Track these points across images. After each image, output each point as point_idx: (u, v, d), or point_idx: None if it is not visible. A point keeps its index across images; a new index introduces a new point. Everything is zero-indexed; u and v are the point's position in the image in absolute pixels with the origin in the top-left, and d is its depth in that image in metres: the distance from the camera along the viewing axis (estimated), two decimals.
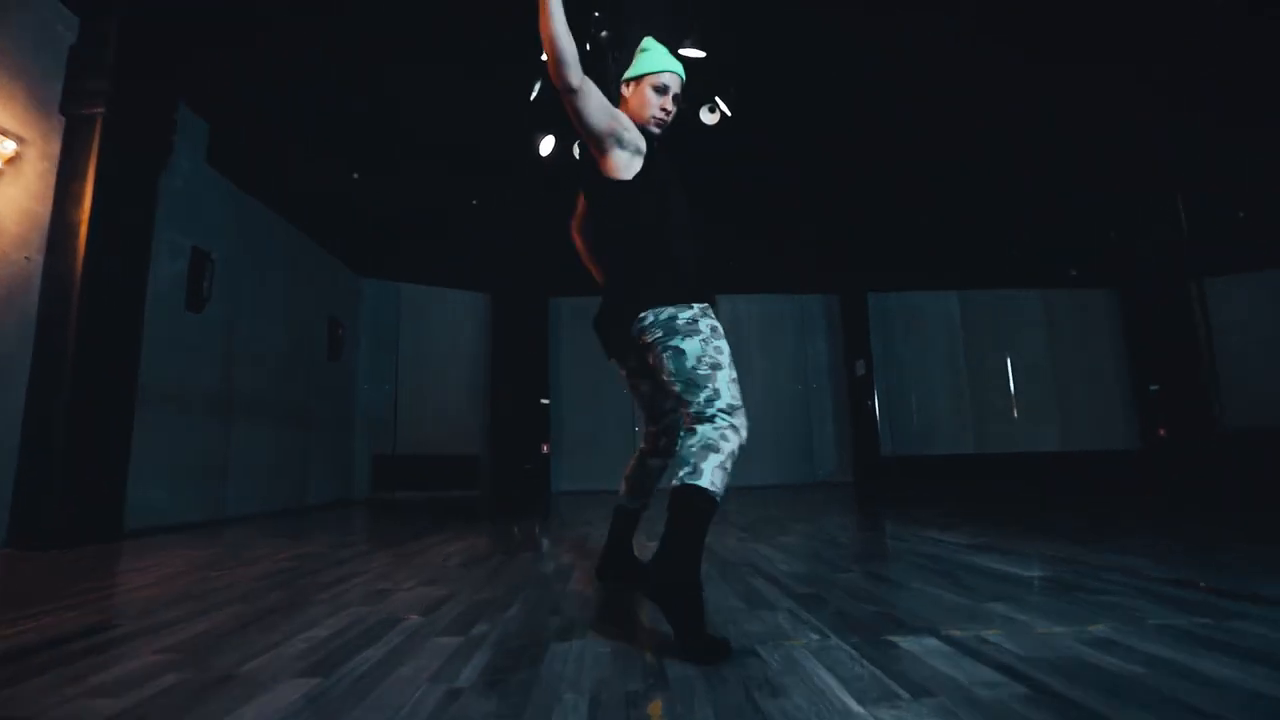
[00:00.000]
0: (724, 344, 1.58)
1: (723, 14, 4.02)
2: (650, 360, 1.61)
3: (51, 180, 3.56)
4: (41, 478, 3.31)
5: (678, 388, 1.54)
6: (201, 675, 1.23)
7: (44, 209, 3.51)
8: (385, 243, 7.56)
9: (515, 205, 6.72)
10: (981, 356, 9.35)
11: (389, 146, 5.52)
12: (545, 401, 8.58)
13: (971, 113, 5.21)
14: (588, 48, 3.91)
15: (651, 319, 1.55)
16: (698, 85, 4.47)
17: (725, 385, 1.52)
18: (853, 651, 1.30)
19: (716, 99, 4.28)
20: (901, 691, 1.07)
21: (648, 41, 1.84)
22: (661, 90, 1.75)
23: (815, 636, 1.42)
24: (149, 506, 4.10)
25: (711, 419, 1.49)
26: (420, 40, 4.23)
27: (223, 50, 4.45)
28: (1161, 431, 8.86)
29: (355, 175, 5.79)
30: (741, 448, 1.52)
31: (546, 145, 4.69)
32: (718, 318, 1.64)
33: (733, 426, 1.49)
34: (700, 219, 1.82)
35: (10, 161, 3.26)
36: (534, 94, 4.17)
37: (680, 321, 1.54)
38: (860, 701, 1.03)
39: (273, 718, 1.01)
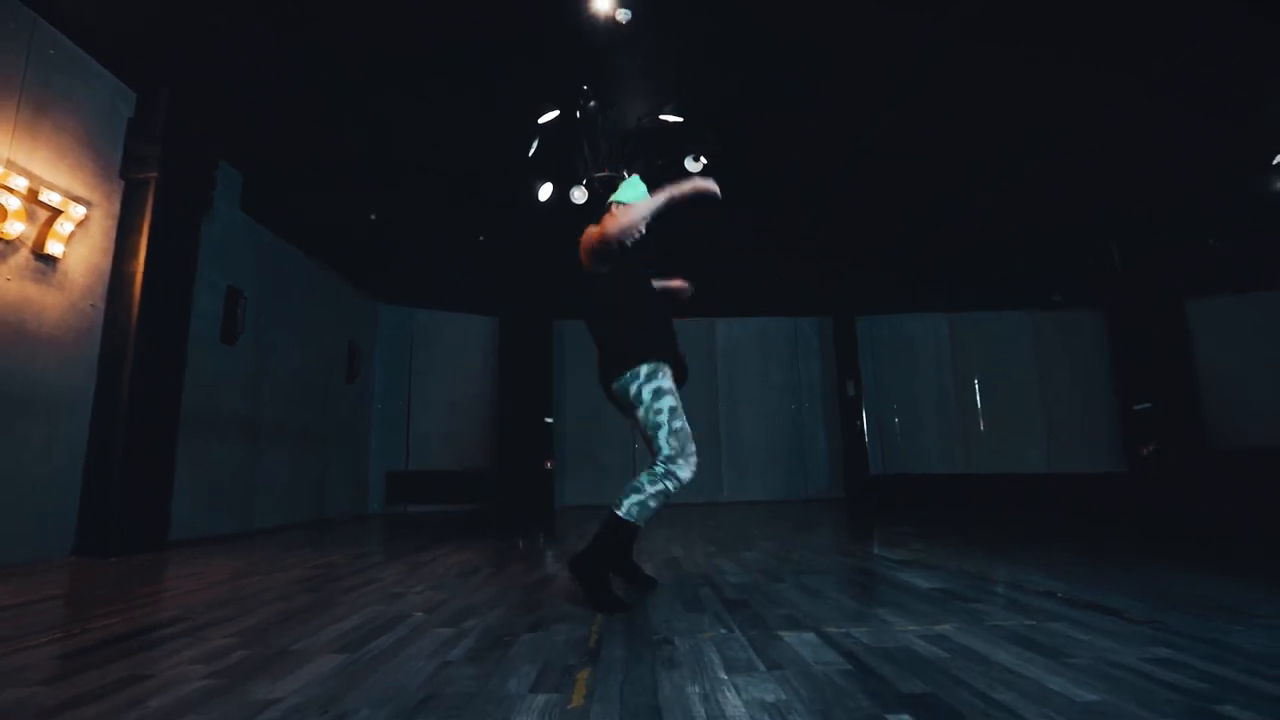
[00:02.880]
0: (664, 402, 2.09)
1: (705, 57, 4.42)
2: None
3: (112, 237, 4.10)
4: (102, 496, 3.82)
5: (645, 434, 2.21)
6: (264, 651, 1.69)
7: (106, 262, 4.05)
8: (400, 270, 8.10)
9: (520, 236, 7.22)
10: (970, 378, 9.69)
11: (403, 184, 6.04)
12: (549, 420, 9.03)
13: (960, 139, 5.52)
14: (578, 115, 4.41)
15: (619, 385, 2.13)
16: (680, 137, 4.94)
17: (665, 439, 2.03)
18: (745, 642, 1.72)
19: (700, 156, 4.74)
20: (760, 666, 1.49)
21: (635, 177, 2.46)
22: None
23: (723, 631, 1.84)
24: (188, 521, 4.59)
25: (652, 465, 2.02)
26: (427, 85, 4.70)
27: (256, 112, 5.00)
28: (1146, 450, 9.13)
29: (372, 217, 6.32)
30: (682, 482, 2.12)
31: (545, 191, 5.17)
32: (681, 369, 2.19)
33: (669, 472, 2.08)
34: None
35: (81, 224, 3.80)
36: (532, 151, 4.66)
37: (632, 389, 2.07)
38: (728, 672, 1.46)
39: (318, 677, 1.46)
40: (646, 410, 2.14)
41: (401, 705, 1.28)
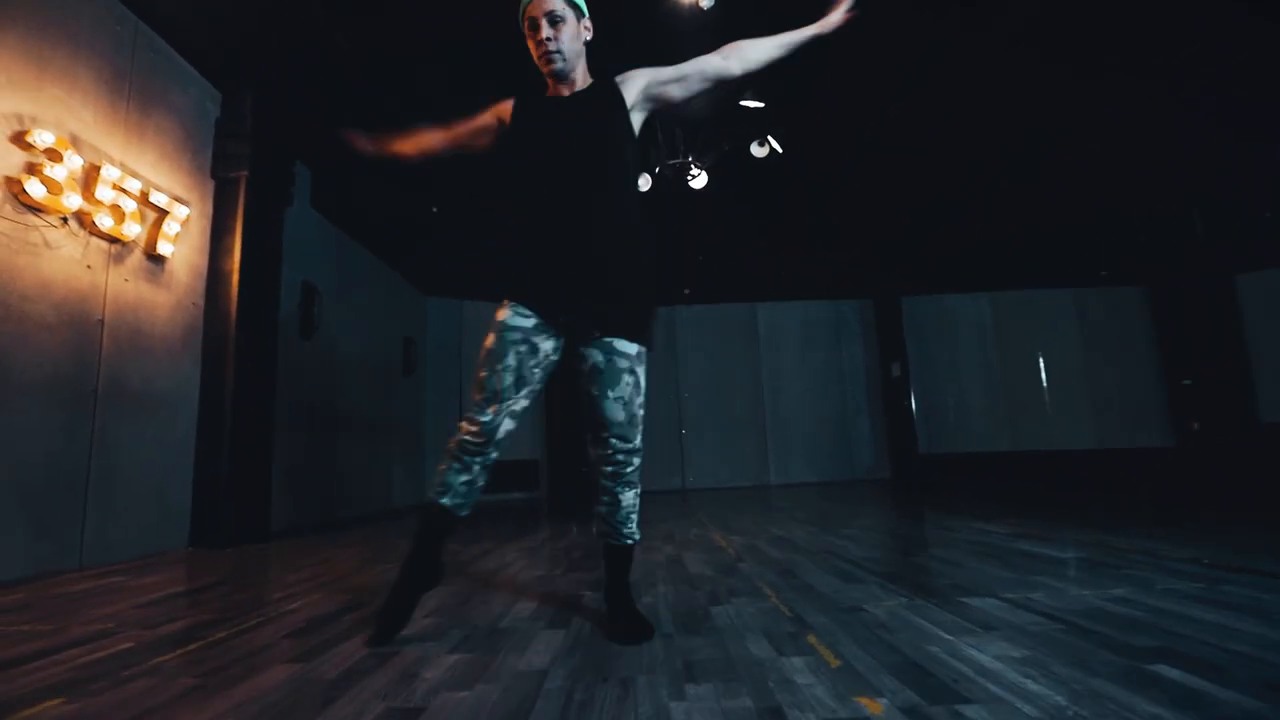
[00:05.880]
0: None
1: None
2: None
3: (207, 235, 4.20)
4: (213, 489, 3.95)
5: None
6: (471, 630, 1.78)
7: (203, 261, 4.15)
8: (449, 264, 8.18)
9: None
10: (1014, 356, 9.66)
11: (455, 179, 6.10)
12: None
13: (1001, 119, 5.52)
14: None
15: None
16: (752, 123, 4.95)
17: (640, 432, 1.74)
18: (934, 608, 1.80)
19: (769, 137, 4.76)
20: (976, 628, 1.57)
21: None
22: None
23: (902, 599, 1.92)
24: (281, 514, 4.73)
25: (622, 466, 1.74)
26: (477, 89, 4.76)
27: (324, 109, 5.06)
28: (1194, 425, 9.09)
29: (435, 209, 6.39)
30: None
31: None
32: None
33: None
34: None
35: (184, 224, 3.90)
36: None
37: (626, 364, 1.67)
38: (950, 634, 1.53)
39: (546, 654, 1.55)
40: (632, 393, 1.65)
41: None
